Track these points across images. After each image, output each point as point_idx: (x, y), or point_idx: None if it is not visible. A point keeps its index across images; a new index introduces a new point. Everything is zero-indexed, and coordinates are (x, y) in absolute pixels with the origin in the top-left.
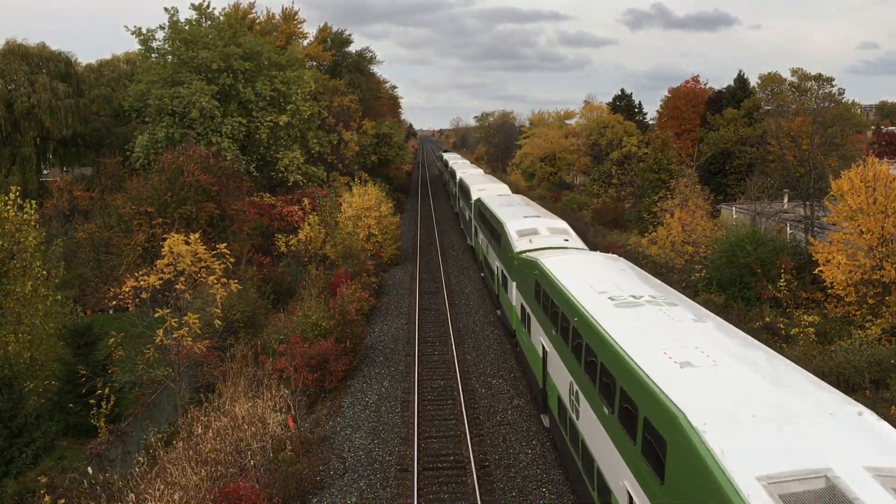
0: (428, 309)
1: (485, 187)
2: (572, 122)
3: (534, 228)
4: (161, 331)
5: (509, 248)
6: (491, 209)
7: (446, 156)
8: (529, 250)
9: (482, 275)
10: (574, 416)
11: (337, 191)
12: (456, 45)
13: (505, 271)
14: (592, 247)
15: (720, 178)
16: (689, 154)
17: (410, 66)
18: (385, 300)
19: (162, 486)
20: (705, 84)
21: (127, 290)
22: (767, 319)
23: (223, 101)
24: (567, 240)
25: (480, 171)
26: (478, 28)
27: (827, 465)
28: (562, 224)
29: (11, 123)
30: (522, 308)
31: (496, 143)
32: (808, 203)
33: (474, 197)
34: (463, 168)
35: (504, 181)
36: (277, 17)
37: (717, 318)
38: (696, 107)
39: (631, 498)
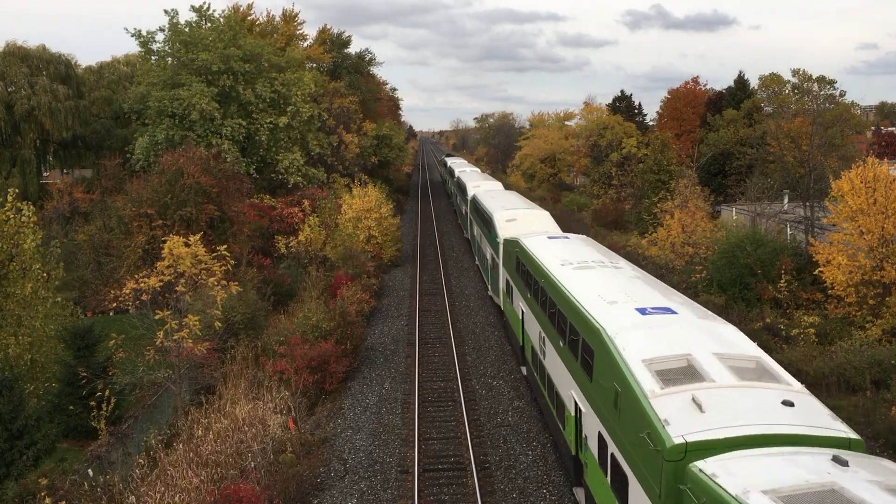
0: (428, 310)
1: (516, 216)
2: (572, 123)
3: (686, 357)
4: (161, 332)
5: (652, 432)
6: (559, 283)
7: (451, 162)
8: (709, 442)
9: (525, 378)
10: None
11: (337, 192)
12: (455, 45)
13: (636, 475)
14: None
15: (720, 179)
16: (688, 155)
17: (409, 67)
18: (385, 301)
19: (162, 488)
20: (705, 85)
21: (127, 291)
22: (768, 320)
23: (223, 103)
24: (792, 402)
25: (499, 184)
26: (476, 29)
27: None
28: (742, 342)
29: (11, 125)
30: None
31: (496, 145)
32: (808, 204)
33: (503, 233)
34: (476, 181)
35: (501, 181)
36: (277, 18)
37: None
38: (696, 108)
39: None
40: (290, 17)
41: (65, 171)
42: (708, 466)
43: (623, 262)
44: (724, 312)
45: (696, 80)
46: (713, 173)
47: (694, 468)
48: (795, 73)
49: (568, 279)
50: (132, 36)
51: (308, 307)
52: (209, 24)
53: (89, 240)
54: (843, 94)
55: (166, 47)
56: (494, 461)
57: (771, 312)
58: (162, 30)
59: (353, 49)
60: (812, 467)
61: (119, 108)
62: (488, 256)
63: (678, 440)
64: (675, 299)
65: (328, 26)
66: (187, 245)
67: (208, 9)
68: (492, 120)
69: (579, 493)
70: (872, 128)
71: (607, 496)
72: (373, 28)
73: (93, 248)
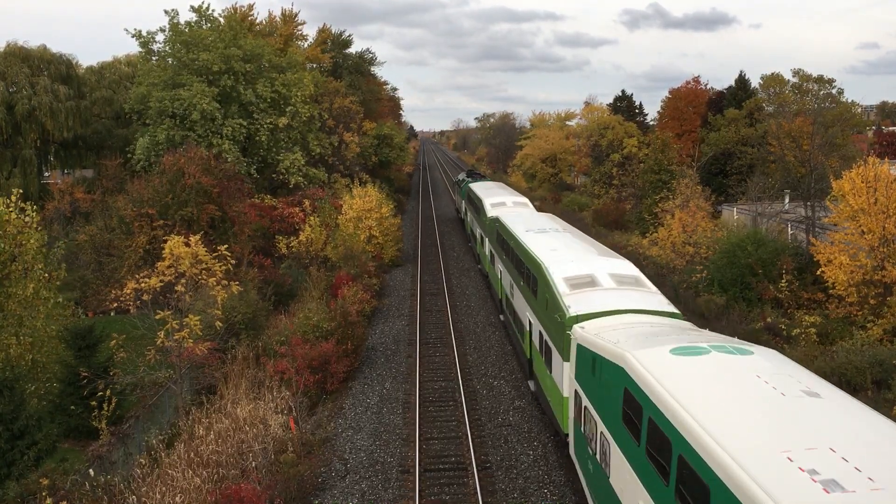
0: (429, 310)
1: (501, 200)
2: (573, 122)
3: (590, 276)
4: (162, 333)
5: (560, 313)
6: (523, 242)
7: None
8: (588, 315)
9: (503, 322)
10: None
11: (337, 192)
12: (452, 45)
13: (555, 346)
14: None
15: (721, 179)
16: (689, 155)
17: (407, 67)
18: (386, 301)
19: (163, 488)
20: (706, 84)
21: (128, 291)
22: (769, 320)
23: (224, 103)
24: (648, 298)
25: (490, 181)
26: (474, 28)
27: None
28: (629, 268)
29: (12, 126)
30: None
31: (497, 145)
32: (809, 203)
33: (490, 213)
34: (470, 176)
35: (502, 181)
36: (277, 18)
37: None
38: (697, 107)
39: None
40: (289, 18)
41: (66, 171)
42: (582, 324)
43: (572, 229)
44: (724, 312)
45: (696, 80)
46: (714, 173)
47: (577, 326)
48: (796, 73)
49: (528, 239)
50: (132, 36)
51: (309, 307)
52: (209, 25)
53: (90, 240)
54: (840, 91)
55: (167, 48)
56: (495, 461)
57: (772, 312)
58: (162, 30)
59: (353, 49)
60: (639, 321)
61: (120, 108)
62: (478, 235)
63: (572, 314)
64: (597, 247)
65: (328, 26)
66: (188, 245)
67: (208, 8)
68: (493, 120)
69: (532, 384)
70: (873, 127)
71: (542, 367)
72: (369, 27)
73: (94, 248)
